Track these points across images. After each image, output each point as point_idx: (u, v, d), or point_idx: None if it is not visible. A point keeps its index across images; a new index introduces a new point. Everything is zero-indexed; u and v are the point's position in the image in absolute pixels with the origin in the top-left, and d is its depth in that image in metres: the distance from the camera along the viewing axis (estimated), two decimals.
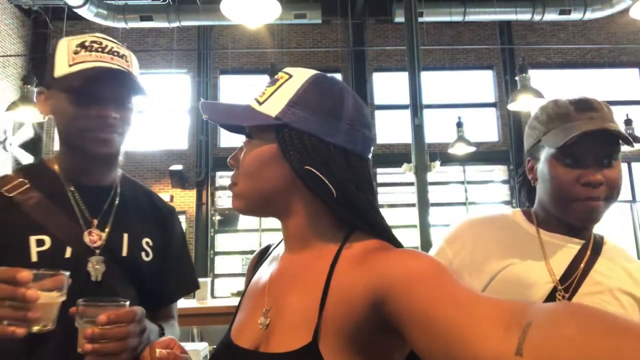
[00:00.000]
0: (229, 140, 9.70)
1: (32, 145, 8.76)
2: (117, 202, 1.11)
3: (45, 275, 0.78)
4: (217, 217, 9.72)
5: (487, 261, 1.08)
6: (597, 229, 1.16)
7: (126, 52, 1.09)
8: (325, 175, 0.74)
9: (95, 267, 1.01)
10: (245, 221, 10.36)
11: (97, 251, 1.03)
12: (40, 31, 9.44)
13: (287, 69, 0.82)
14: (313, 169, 0.74)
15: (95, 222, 1.06)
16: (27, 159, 8.49)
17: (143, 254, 1.10)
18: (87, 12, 7.99)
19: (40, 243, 0.98)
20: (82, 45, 1.04)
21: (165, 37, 9.72)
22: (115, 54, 1.06)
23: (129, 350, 0.85)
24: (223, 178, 10.03)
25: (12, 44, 8.99)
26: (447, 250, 1.14)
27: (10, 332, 0.72)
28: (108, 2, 8.29)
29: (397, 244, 0.75)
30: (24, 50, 9.36)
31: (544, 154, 1.08)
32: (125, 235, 1.08)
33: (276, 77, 0.81)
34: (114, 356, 0.84)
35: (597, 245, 1.10)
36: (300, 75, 0.79)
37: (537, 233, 1.11)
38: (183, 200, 9.23)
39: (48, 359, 0.95)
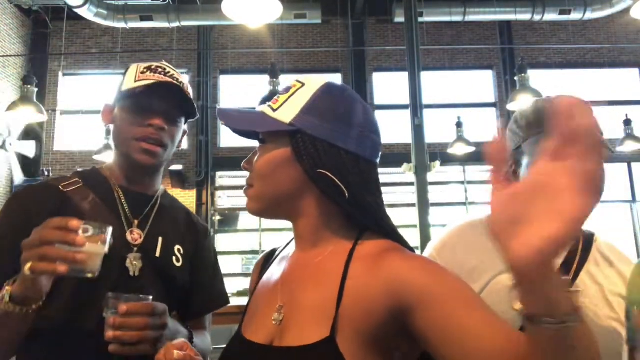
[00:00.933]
0: (229, 140, 9.70)
1: (32, 146, 8.76)
2: (156, 209, 1.23)
3: (91, 228, 0.86)
4: (217, 217, 9.72)
5: (479, 268, 1.07)
6: (598, 230, 1.16)
7: (185, 81, 1.23)
8: (337, 178, 0.79)
9: (134, 263, 1.11)
10: (245, 221, 10.37)
11: (135, 249, 1.13)
12: (40, 31, 9.44)
13: (300, 78, 0.86)
14: (326, 172, 0.79)
15: (137, 222, 1.17)
16: (26, 159, 8.49)
17: (174, 258, 1.20)
18: (87, 12, 7.99)
19: (85, 231, 1.05)
20: (149, 68, 1.19)
21: (165, 37, 9.72)
22: (175, 79, 1.19)
23: (148, 341, 0.95)
24: (223, 178, 10.04)
25: (12, 44, 9.00)
26: (436, 259, 1.12)
27: (52, 268, 0.81)
28: (108, 2, 8.29)
29: (406, 245, 0.81)
30: (24, 50, 9.36)
31: (526, 160, 1.07)
32: (160, 239, 1.19)
33: (289, 85, 0.86)
34: (133, 346, 0.93)
35: (587, 245, 1.09)
36: (313, 84, 0.84)
37: None
38: (183, 200, 9.21)
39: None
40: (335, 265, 0.79)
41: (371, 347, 0.72)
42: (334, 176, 0.79)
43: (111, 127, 1.22)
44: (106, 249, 0.90)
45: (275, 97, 0.85)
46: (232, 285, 8.87)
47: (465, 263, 1.08)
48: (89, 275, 0.87)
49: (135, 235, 1.15)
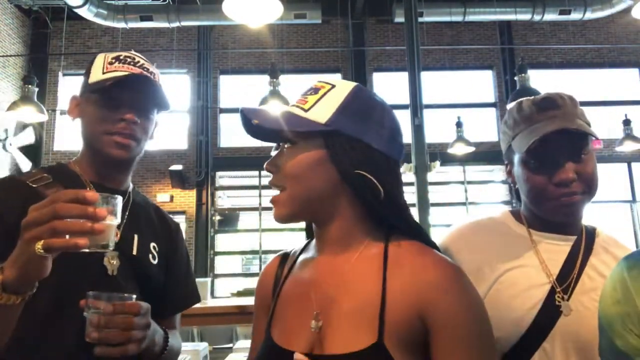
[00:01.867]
0: (229, 140, 9.70)
1: (32, 146, 8.76)
2: (129, 206, 1.18)
3: (101, 199, 0.79)
4: (217, 217, 9.72)
5: (482, 270, 1.07)
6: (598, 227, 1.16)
7: (155, 71, 1.19)
8: (374, 178, 0.80)
9: (111, 262, 1.07)
10: (245, 221, 10.37)
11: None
12: (40, 31, 9.45)
13: (326, 79, 0.86)
14: (363, 173, 0.80)
15: None
16: (27, 159, 8.50)
17: (150, 256, 1.17)
18: (87, 12, 7.99)
19: None
20: (117, 58, 1.14)
21: (165, 37, 9.72)
22: (146, 69, 1.15)
23: (134, 341, 0.92)
24: (223, 178, 10.04)
25: (12, 44, 9.00)
26: None
27: (73, 244, 0.74)
28: (108, 2, 8.30)
29: (433, 245, 0.85)
30: (24, 50, 9.37)
31: (516, 158, 1.09)
32: (136, 236, 1.15)
33: (315, 85, 0.86)
34: (120, 347, 0.90)
35: (589, 240, 1.10)
36: (344, 85, 0.85)
37: (528, 234, 1.11)
38: (183, 200, 9.24)
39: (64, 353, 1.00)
40: (371, 269, 0.79)
41: (413, 352, 0.74)
42: (371, 176, 0.80)
43: (79, 121, 1.17)
44: (118, 219, 0.84)
45: (302, 98, 0.85)
46: (232, 285, 8.86)
47: (470, 263, 1.08)
48: (106, 249, 0.81)
49: None
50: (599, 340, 0.84)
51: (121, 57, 1.15)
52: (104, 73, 1.12)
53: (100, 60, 1.16)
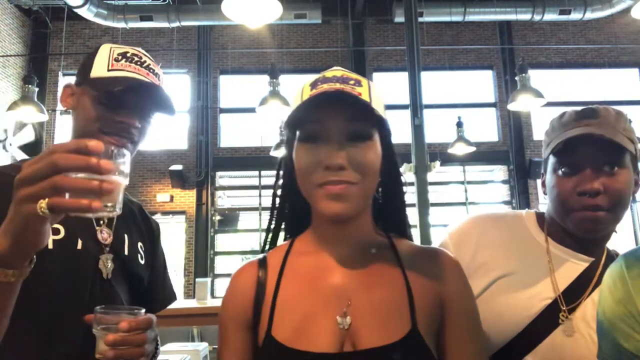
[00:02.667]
0: (229, 140, 9.70)
1: (32, 146, 8.76)
2: None
3: (109, 152, 0.67)
4: (217, 217, 9.72)
5: (489, 265, 1.06)
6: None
7: (160, 72, 1.16)
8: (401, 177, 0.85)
9: (106, 265, 1.03)
10: (245, 221, 10.38)
11: (107, 249, 1.05)
12: (40, 31, 9.44)
13: (351, 72, 0.83)
14: (400, 173, 0.85)
15: (106, 220, 1.08)
16: (27, 157, 8.48)
17: (139, 255, 1.14)
18: (87, 12, 7.99)
19: (55, 231, 0.98)
20: (123, 55, 1.10)
21: (165, 37, 9.72)
22: (151, 70, 1.12)
23: (146, 355, 0.89)
24: (223, 178, 10.03)
25: (12, 44, 8.99)
26: (450, 245, 1.11)
27: (86, 205, 0.61)
28: (108, 2, 8.29)
29: (411, 238, 0.91)
30: (24, 50, 9.36)
31: (548, 164, 1.07)
32: (126, 236, 1.11)
33: (349, 75, 0.81)
34: None
35: (608, 265, 1.03)
36: (374, 84, 0.84)
37: (546, 243, 1.07)
38: (183, 200, 9.24)
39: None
40: (388, 261, 0.82)
41: (436, 339, 0.78)
42: (401, 175, 0.85)
43: (71, 112, 1.11)
44: (126, 178, 0.70)
45: (350, 87, 0.78)
46: None
47: (476, 255, 1.07)
48: (114, 213, 0.68)
49: (105, 235, 1.06)
50: (598, 343, 0.82)
51: (128, 55, 1.11)
52: (109, 70, 1.07)
53: (105, 52, 1.10)
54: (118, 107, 1.05)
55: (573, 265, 1.04)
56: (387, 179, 0.83)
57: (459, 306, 0.81)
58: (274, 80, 5.85)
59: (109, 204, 0.66)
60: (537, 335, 0.98)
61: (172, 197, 9.17)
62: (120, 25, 8.51)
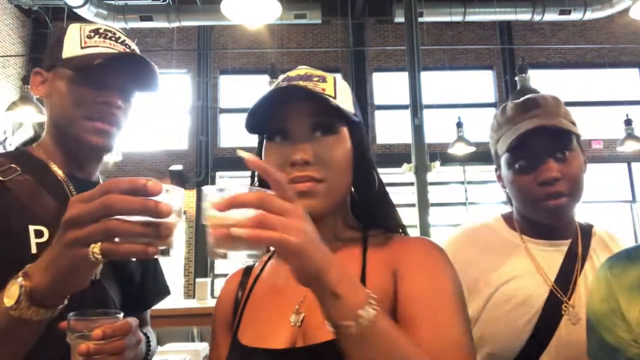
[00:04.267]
0: (229, 140, 9.69)
1: (33, 142, 8.75)
2: None
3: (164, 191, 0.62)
4: None
5: (477, 284, 1.06)
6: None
7: (136, 48, 1.07)
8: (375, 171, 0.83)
9: None
10: None
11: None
12: (40, 31, 9.44)
13: (316, 70, 0.83)
14: (374, 167, 0.82)
15: None
16: None
17: None
18: (87, 12, 7.99)
19: (38, 234, 0.92)
20: (95, 31, 1.01)
21: (165, 37, 9.72)
22: (127, 46, 1.03)
23: None
24: (223, 178, 10.03)
25: (12, 44, 8.99)
26: None
27: (141, 250, 0.58)
28: (108, 2, 8.30)
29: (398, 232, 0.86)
30: (24, 51, 9.36)
31: (502, 160, 1.09)
32: None
33: (313, 73, 0.81)
34: None
35: (585, 241, 1.08)
36: (340, 77, 0.83)
37: (522, 240, 1.09)
38: (183, 200, 9.23)
39: None
40: (350, 257, 0.79)
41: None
42: (374, 170, 0.82)
43: (45, 100, 1.02)
44: (180, 217, 0.65)
45: (313, 83, 0.77)
46: None
47: (465, 277, 1.05)
48: (166, 255, 0.63)
49: None
50: (587, 340, 0.84)
51: (100, 31, 1.02)
52: (82, 47, 0.98)
53: (74, 31, 1.01)
54: (98, 87, 0.97)
55: (554, 254, 1.06)
56: (359, 174, 0.81)
57: (415, 273, 0.73)
58: (274, 80, 5.84)
59: (164, 247, 0.61)
60: (546, 332, 0.99)
61: None
62: (120, 25, 8.51)
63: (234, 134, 9.73)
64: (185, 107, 9.64)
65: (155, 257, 0.61)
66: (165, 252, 0.62)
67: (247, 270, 0.89)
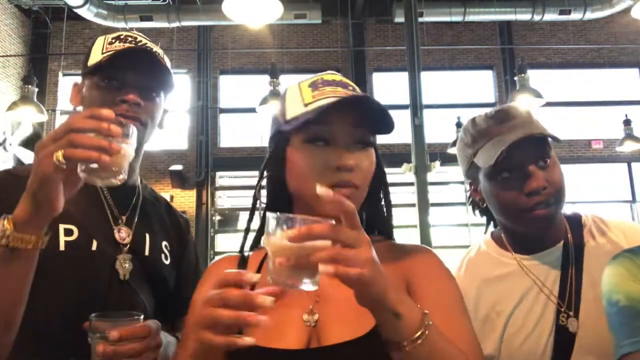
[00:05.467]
0: (229, 140, 9.69)
1: (33, 140, 8.76)
2: (140, 202, 1.10)
3: (117, 122, 0.75)
4: (217, 217, 9.72)
5: (490, 317, 1.06)
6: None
7: (159, 51, 1.10)
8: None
9: (124, 266, 0.99)
10: (245, 221, 10.34)
11: (125, 249, 1.01)
12: (40, 31, 9.44)
13: (343, 77, 0.86)
14: (386, 176, 0.87)
15: (124, 218, 1.04)
16: (27, 159, 8.49)
17: (162, 256, 1.08)
18: (87, 12, 7.99)
19: (68, 232, 0.95)
20: (117, 38, 1.06)
21: (165, 37, 9.71)
22: (149, 48, 1.06)
23: None
24: (223, 178, 10.03)
25: (12, 44, 8.99)
26: None
27: (96, 156, 0.69)
28: (108, 2, 8.30)
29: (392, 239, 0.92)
30: (24, 50, 9.36)
31: (481, 174, 1.07)
32: (147, 236, 1.06)
33: (349, 83, 0.85)
34: None
35: (577, 235, 1.07)
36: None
37: (516, 260, 1.08)
38: (183, 200, 9.23)
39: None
40: None
41: None
42: (386, 180, 0.87)
43: (80, 109, 1.07)
44: (132, 148, 0.78)
45: (351, 92, 0.82)
46: None
47: (476, 314, 1.06)
48: (119, 180, 0.76)
49: (123, 234, 1.01)
50: (628, 327, 0.81)
51: (122, 37, 1.06)
52: (102, 53, 1.03)
53: (99, 42, 1.07)
54: (116, 87, 1.01)
55: (550, 263, 1.05)
56: (376, 183, 0.85)
57: (423, 281, 0.79)
58: (274, 80, 5.85)
59: (115, 168, 0.73)
60: (565, 346, 0.99)
61: (172, 197, 9.16)
62: (120, 25, 8.50)
63: (234, 134, 9.73)
64: (185, 107, 9.64)
65: (110, 181, 0.74)
66: (121, 175, 0.75)
67: (242, 262, 0.88)
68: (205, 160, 9.35)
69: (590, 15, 8.64)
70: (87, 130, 0.71)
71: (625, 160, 9.27)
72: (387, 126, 0.81)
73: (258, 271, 0.85)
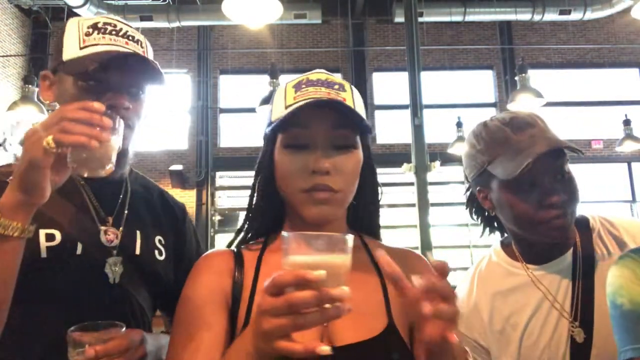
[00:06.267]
0: (229, 140, 9.69)
1: None
2: (128, 198, 1.05)
3: (107, 114, 0.77)
4: (217, 217, 9.71)
5: (505, 331, 1.05)
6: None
7: (141, 37, 1.01)
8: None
9: (114, 269, 0.94)
10: None
11: (114, 251, 0.96)
12: (40, 31, 9.43)
13: (332, 75, 0.84)
14: (376, 176, 0.86)
15: (111, 219, 0.99)
16: None
17: (156, 252, 1.04)
18: (87, 12, 7.98)
19: (50, 237, 0.91)
20: (94, 27, 0.96)
21: (165, 37, 9.71)
22: (130, 38, 0.98)
23: None
24: (223, 178, 10.03)
25: (12, 44, 8.99)
26: (464, 331, 1.09)
27: (85, 140, 0.71)
28: (108, 2, 8.29)
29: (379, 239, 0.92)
30: (24, 50, 9.35)
31: (495, 183, 1.03)
32: (138, 233, 1.02)
33: (337, 81, 0.83)
34: None
35: (586, 240, 1.05)
36: (351, 85, 0.85)
37: (526, 270, 1.07)
38: (183, 200, 9.18)
39: None
40: (362, 262, 0.81)
41: (411, 334, 0.77)
42: (376, 176, 0.86)
43: (57, 105, 0.98)
44: (120, 141, 0.80)
45: (335, 92, 0.79)
46: None
47: (492, 327, 1.06)
48: (106, 171, 0.78)
49: (110, 236, 0.97)
50: (631, 332, 0.80)
51: (99, 25, 0.96)
52: (81, 48, 0.93)
53: (73, 28, 0.96)
54: (103, 90, 0.93)
55: (561, 271, 1.04)
56: (365, 184, 0.84)
57: None
58: (274, 80, 5.85)
59: (103, 157, 0.76)
60: (582, 355, 0.98)
61: None
62: None
63: (234, 134, 9.73)
64: (185, 107, 9.63)
65: (98, 171, 0.76)
66: (108, 164, 0.77)
67: (238, 258, 0.86)
68: (205, 160, 9.35)
69: (590, 15, 8.63)
70: (79, 120, 0.72)
71: (625, 160, 9.27)
72: (363, 128, 0.80)
73: (257, 268, 0.83)
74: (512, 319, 1.05)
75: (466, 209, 1.21)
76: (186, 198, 9.25)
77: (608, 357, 0.94)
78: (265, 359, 0.61)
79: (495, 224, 1.17)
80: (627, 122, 7.43)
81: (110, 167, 0.78)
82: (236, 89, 9.91)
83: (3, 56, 8.55)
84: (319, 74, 0.84)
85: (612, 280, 0.86)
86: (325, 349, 0.58)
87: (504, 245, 1.14)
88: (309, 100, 0.76)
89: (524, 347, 1.03)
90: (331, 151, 0.78)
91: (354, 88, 0.84)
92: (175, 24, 8.69)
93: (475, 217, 1.20)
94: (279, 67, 6.29)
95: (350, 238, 0.61)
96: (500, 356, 1.06)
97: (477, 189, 1.12)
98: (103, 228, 0.97)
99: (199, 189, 9.33)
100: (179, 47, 9.66)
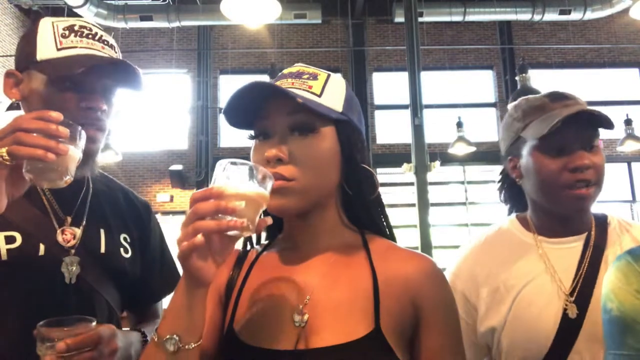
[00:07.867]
0: (229, 140, 9.69)
1: None
2: (90, 196, 1.03)
3: (65, 124, 0.74)
4: None
5: (499, 291, 1.06)
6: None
7: (114, 42, 1.02)
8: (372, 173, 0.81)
9: (70, 269, 0.93)
10: None
11: (72, 251, 0.95)
12: None
13: (312, 68, 0.82)
14: (367, 167, 0.80)
15: (69, 219, 0.98)
16: None
17: (122, 250, 1.04)
18: (87, 12, 7.99)
19: (10, 240, 0.90)
20: (70, 29, 0.95)
21: (165, 37, 9.72)
22: (105, 42, 0.98)
23: None
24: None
25: (12, 44, 8.99)
26: (457, 287, 1.11)
27: (41, 153, 0.69)
28: (108, 2, 8.29)
29: (394, 239, 0.85)
30: None
31: (526, 148, 1.07)
32: (102, 231, 1.01)
33: (307, 70, 0.81)
34: None
35: (601, 230, 1.07)
36: (337, 76, 0.82)
37: (536, 241, 1.09)
38: (183, 200, 9.23)
39: None
40: (356, 261, 0.78)
41: (404, 340, 0.74)
42: (366, 169, 0.80)
43: (21, 103, 0.97)
44: (80, 151, 0.77)
45: (301, 81, 0.78)
46: None
47: (487, 285, 1.07)
48: (65, 182, 0.75)
49: (67, 236, 0.95)
50: (617, 340, 0.81)
51: (75, 28, 0.96)
52: (58, 49, 0.92)
53: (47, 29, 0.95)
54: (81, 91, 0.92)
55: (570, 251, 1.06)
56: (347, 174, 0.80)
57: (436, 313, 0.76)
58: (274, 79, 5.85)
59: (61, 168, 0.73)
60: (570, 332, 0.99)
61: (172, 197, 9.17)
62: (120, 25, 8.51)
63: (234, 133, 9.71)
64: (185, 107, 9.64)
65: (56, 183, 0.74)
66: (67, 176, 0.74)
67: (242, 254, 0.87)
68: (205, 160, 9.35)
69: (590, 15, 8.64)
70: (33, 130, 0.70)
71: (625, 160, 9.27)
72: (325, 115, 0.76)
73: (250, 268, 0.83)
74: (509, 281, 1.06)
75: (497, 190, 1.25)
76: (186, 198, 9.25)
77: (596, 339, 0.95)
78: (193, 284, 0.66)
79: (520, 204, 1.20)
80: (628, 122, 7.43)
81: (68, 178, 0.75)
82: (236, 88, 9.89)
83: (3, 56, 8.55)
84: (292, 68, 0.83)
85: (606, 281, 0.87)
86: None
87: (519, 218, 1.17)
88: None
89: (515, 308, 1.04)
90: (288, 137, 0.75)
91: (334, 78, 0.81)
92: (175, 24, 8.69)
93: (501, 195, 1.23)
94: (279, 67, 6.30)
95: (264, 171, 0.65)
96: (488, 315, 1.06)
97: (509, 159, 1.15)
98: (59, 228, 0.96)
99: (199, 189, 9.30)
100: (179, 47, 9.67)
